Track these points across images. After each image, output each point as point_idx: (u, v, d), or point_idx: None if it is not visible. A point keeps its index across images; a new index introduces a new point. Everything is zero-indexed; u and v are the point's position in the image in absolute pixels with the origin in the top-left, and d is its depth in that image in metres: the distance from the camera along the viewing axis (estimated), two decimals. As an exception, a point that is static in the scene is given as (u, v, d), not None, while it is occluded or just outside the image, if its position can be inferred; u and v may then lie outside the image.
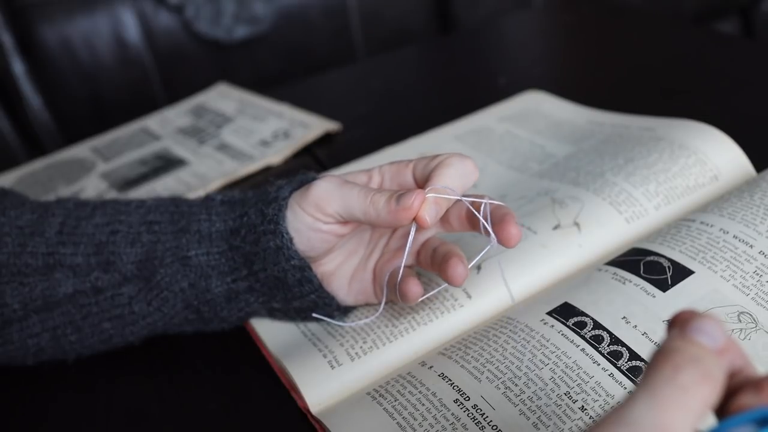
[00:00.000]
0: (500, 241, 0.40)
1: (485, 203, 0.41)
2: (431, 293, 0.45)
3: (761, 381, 0.23)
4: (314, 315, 0.46)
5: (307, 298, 0.45)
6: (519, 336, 0.42)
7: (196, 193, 0.68)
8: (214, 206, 0.46)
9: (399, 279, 0.43)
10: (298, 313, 0.47)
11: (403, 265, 0.43)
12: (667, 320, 0.36)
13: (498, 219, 0.41)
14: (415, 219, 0.39)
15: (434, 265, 0.43)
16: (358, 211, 0.40)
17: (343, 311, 0.47)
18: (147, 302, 0.45)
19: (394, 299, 0.45)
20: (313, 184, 0.42)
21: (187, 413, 0.45)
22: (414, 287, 0.42)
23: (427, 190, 0.40)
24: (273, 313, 0.48)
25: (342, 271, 0.46)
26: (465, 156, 0.42)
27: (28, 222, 0.47)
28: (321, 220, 0.42)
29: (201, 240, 0.45)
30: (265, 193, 0.45)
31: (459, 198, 0.41)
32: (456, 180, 0.41)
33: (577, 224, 0.50)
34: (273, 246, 0.42)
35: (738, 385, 0.23)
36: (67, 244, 0.46)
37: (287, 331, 0.48)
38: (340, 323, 0.46)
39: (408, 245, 0.42)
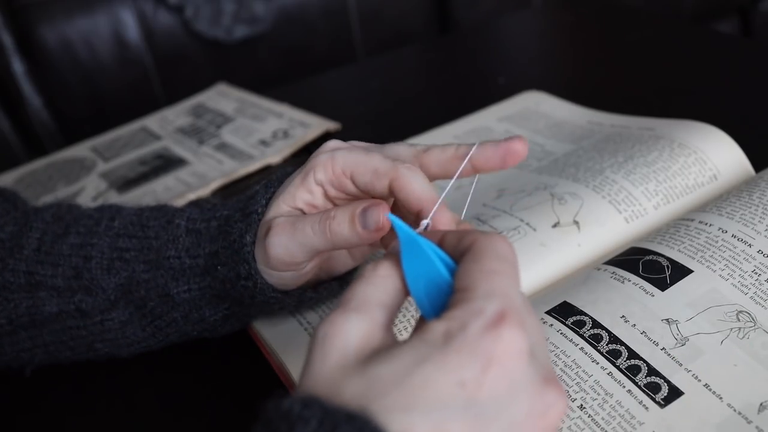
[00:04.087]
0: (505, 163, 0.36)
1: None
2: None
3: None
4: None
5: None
6: (518, 335, 0.41)
7: (196, 193, 0.68)
8: (180, 239, 0.43)
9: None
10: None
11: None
12: (666, 319, 0.37)
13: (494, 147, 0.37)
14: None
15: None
16: (325, 247, 0.37)
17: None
18: (141, 328, 0.44)
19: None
20: (266, 244, 0.38)
21: (186, 411, 0.45)
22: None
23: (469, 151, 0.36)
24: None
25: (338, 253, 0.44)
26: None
27: (9, 235, 0.45)
28: (295, 270, 0.40)
29: (177, 277, 0.43)
30: (228, 235, 0.41)
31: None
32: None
33: (576, 223, 0.50)
34: (257, 301, 0.41)
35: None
36: (45, 264, 0.44)
37: (286, 325, 0.48)
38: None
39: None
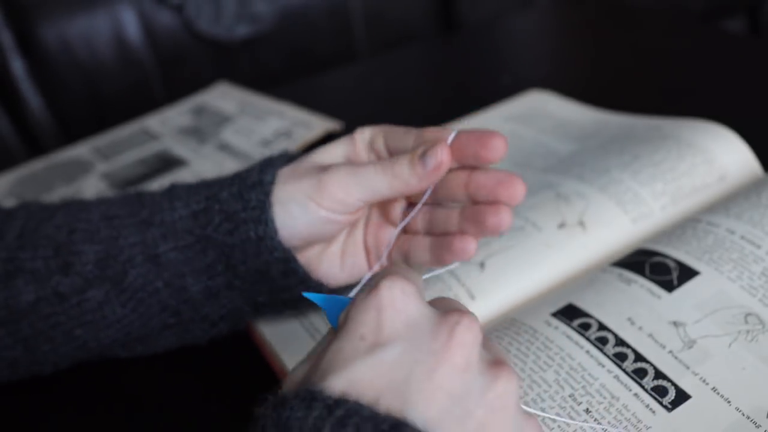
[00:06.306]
0: (484, 158, 0.38)
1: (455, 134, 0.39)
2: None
3: None
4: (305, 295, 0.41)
5: (295, 290, 0.42)
6: (523, 337, 0.41)
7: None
8: (176, 192, 0.44)
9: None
10: (287, 306, 0.45)
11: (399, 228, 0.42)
12: (673, 321, 0.38)
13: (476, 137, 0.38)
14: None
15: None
16: (384, 188, 0.39)
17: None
18: (121, 305, 0.42)
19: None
20: (323, 177, 0.39)
21: (188, 412, 0.45)
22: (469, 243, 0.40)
23: (449, 138, 0.38)
24: (260, 309, 0.45)
25: (330, 252, 0.43)
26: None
27: None
28: (339, 212, 0.40)
29: (166, 233, 0.42)
30: (240, 176, 0.43)
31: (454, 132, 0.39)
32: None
33: (582, 223, 0.50)
34: (254, 236, 0.40)
35: None
36: (26, 248, 0.43)
37: (289, 329, 0.48)
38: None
39: (420, 203, 0.41)
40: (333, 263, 0.43)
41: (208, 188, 0.43)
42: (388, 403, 0.26)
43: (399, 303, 0.29)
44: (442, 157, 0.37)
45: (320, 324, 0.47)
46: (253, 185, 0.41)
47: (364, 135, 0.42)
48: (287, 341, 0.47)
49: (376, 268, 0.43)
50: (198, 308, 0.43)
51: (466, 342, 0.28)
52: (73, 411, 0.47)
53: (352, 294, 0.34)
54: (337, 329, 0.30)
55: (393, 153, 0.41)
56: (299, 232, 0.40)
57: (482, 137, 0.37)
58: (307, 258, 0.43)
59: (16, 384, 0.47)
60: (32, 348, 0.44)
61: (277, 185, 0.41)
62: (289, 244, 0.41)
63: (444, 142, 0.38)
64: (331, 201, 0.39)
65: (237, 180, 0.42)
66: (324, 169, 0.40)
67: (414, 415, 0.26)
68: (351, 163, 0.41)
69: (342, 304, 0.32)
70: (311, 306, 0.45)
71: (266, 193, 0.40)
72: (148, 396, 0.47)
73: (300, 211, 0.40)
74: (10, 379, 0.46)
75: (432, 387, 0.27)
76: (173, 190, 0.44)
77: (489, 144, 0.37)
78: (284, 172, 0.41)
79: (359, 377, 0.27)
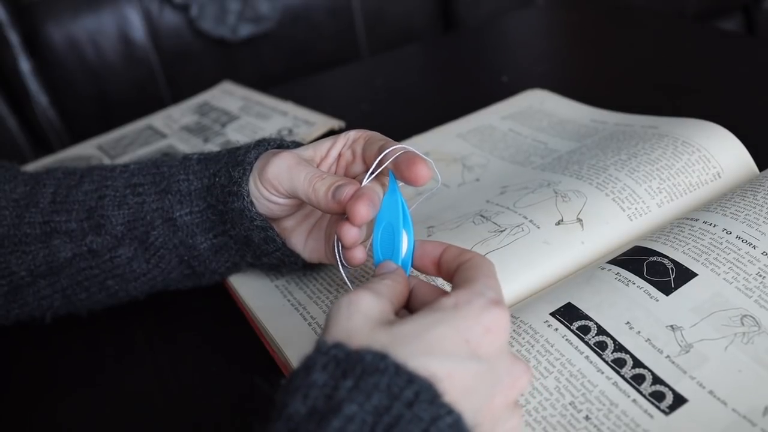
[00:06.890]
0: (409, 181, 0.41)
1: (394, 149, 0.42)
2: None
3: None
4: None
5: (273, 255, 0.48)
6: (523, 338, 0.42)
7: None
8: (191, 165, 0.50)
9: (338, 245, 0.43)
10: (270, 269, 0.52)
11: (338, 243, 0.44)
12: (670, 325, 0.38)
13: (406, 160, 0.41)
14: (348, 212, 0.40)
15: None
16: (302, 194, 0.43)
17: (309, 269, 0.52)
18: (146, 260, 0.49)
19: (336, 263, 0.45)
20: (270, 161, 0.45)
21: (189, 406, 0.46)
22: (359, 253, 0.43)
23: (363, 183, 0.42)
24: (254, 266, 0.52)
25: (300, 229, 0.49)
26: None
27: (23, 194, 0.50)
28: (275, 196, 0.45)
29: (182, 200, 0.48)
30: (234, 153, 0.48)
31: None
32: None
33: (579, 220, 0.50)
34: (237, 207, 0.46)
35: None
36: (60, 212, 0.49)
37: (288, 318, 0.49)
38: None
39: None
40: (299, 240, 0.49)
41: (215, 163, 0.49)
42: (459, 404, 0.30)
43: (502, 332, 0.33)
44: (348, 194, 0.41)
45: (322, 318, 0.48)
46: (238, 163, 0.47)
47: (349, 135, 0.46)
48: (291, 336, 0.47)
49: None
50: (206, 262, 0.50)
51: (521, 389, 0.34)
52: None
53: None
54: (440, 307, 0.33)
55: (360, 157, 0.45)
56: (261, 206, 0.46)
57: (410, 163, 0.41)
58: (281, 229, 0.49)
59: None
60: (69, 296, 0.50)
61: (257, 164, 0.46)
62: (267, 216, 0.47)
63: (355, 184, 0.41)
64: (266, 183, 0.45)
65: (231, 157, 0.48)
66: (276, 154, 0.45)
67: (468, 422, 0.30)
68: (308, 161, 0.45)
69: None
70: (292, 272, 0.52)
71: (244, 171, 0.46)
72: (154, 391, 0.48)
73: (256, 189, 0.45)
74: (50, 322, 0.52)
75: (489, 406, 0.32)
76: (188, 163, 0.50)
77: (413, 170, 0.40)
78: (268, 153, 0.46)
79: (453, 373, 0.30)
